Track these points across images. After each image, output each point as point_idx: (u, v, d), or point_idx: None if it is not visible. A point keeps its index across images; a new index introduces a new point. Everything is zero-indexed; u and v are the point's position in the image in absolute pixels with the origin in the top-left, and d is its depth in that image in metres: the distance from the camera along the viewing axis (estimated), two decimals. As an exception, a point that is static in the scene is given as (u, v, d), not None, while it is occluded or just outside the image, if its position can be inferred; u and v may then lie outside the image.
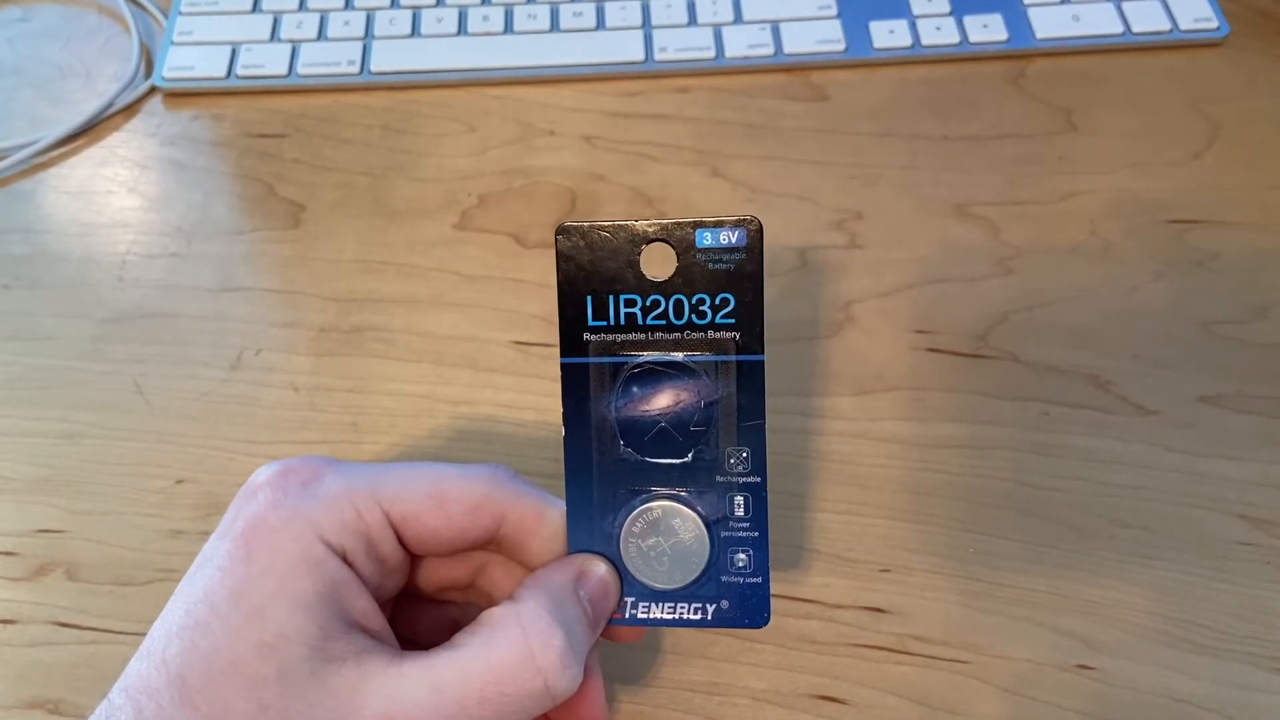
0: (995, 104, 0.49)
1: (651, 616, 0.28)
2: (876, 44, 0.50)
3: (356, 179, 0.47)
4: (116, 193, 0.47)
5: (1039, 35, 0.50)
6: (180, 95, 0.51)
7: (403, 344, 0.42)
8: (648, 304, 0.27)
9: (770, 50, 0.50)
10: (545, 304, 0.42)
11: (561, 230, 0.27)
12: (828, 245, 0.44)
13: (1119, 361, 0.40)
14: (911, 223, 0.44)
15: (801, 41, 0.50)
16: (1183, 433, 0.38)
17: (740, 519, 0.28)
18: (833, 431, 0.39)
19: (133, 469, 0.39)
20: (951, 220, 0.44)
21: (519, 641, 0.25)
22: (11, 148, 0.48)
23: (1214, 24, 0.50)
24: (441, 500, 0.27)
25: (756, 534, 0.28)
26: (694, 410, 0.27)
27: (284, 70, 0.50)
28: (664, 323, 0.27)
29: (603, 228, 0.27)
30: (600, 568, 0.28)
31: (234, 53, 0.51)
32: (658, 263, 0.27)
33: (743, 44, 0.50)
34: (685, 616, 0.28)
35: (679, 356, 0.27)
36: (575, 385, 0.28)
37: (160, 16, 0.54)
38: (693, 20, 0.51)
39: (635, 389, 0.28)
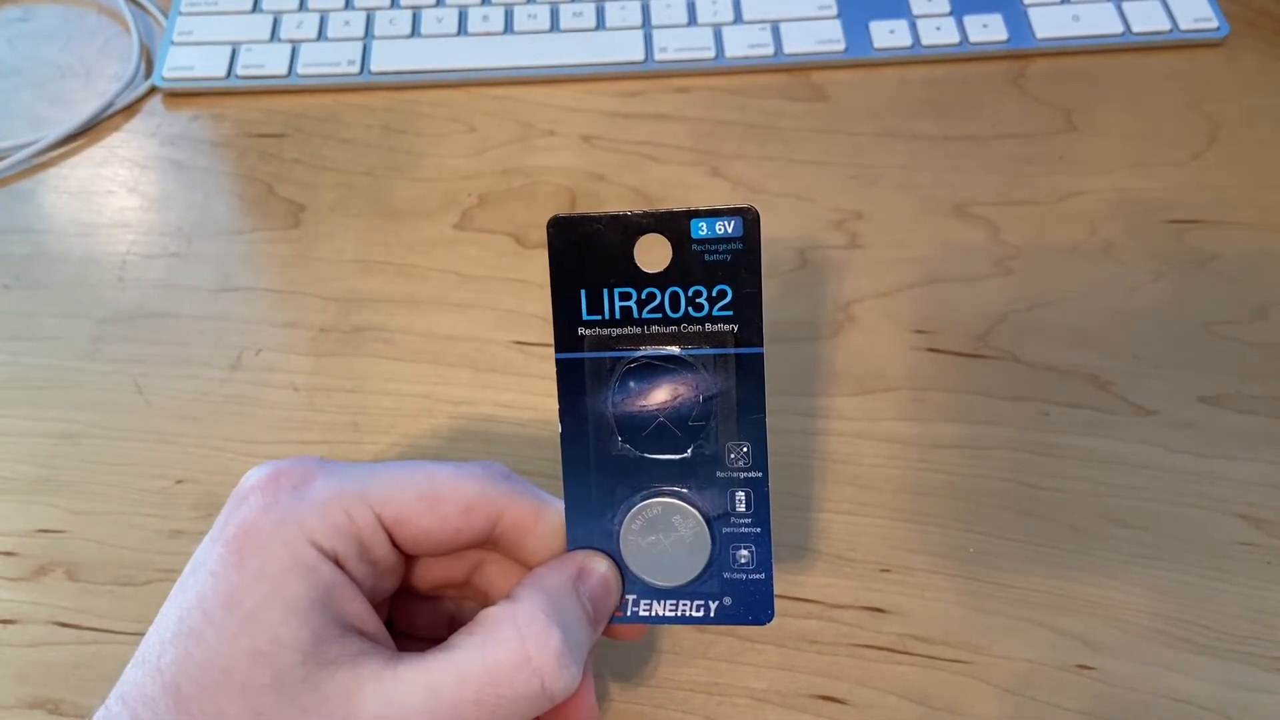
0: (995, 104, 0.49)
1: (654, 614, 0.28)
2: (876, 44, 0.50)
3: (356, 179, 0.47)
4: (116, 193, 0.47)
5: (1039, 35, 0.50)
6: (180, 95, 0.51)
7: (403, 344, 0.42)
8: (643, 297, 0.27)
9: (770, 50, 0.50)
10: (545, 304, 0.42)
11: (554, 223, 0.26)
12: (828, 245, 0.44)
13: (1119, 361, 0.40)
14: (911, 223, 0.44)
15: (801, 41, 0.50)
16: (1183, 433, 0.38)
17: (742, 515, 0.27)
18: (833, 431, 0.38)
19: (133, 469, 0.39)
20: (951, 220, 0.44)
21: (515, 642, 0.25)
22: (11, 148, 0.48)
23: (1214, 24, 0.50)
24: (434, 501, 0.26)
25: (759, 530, 0.27)
26: (693, 405, 0.27)
27: (284, 70, 0.50)
28: (660, 316, 0.27)
29: (596, 219, 0.26)
30: (601, 565, 0.27)
31: (234, 53, 0.51)
32: (653, 254, 0.27)
33: (743, 44, 0.50)
34: (688, 614, 0.28)
35: (676, 350, 0.27)
36: (571, 381, 0.27)
37: (160, 16, 0.54)
38: (693, 20, 0.51)
39: (632, 384, 0.27)
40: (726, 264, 0.26)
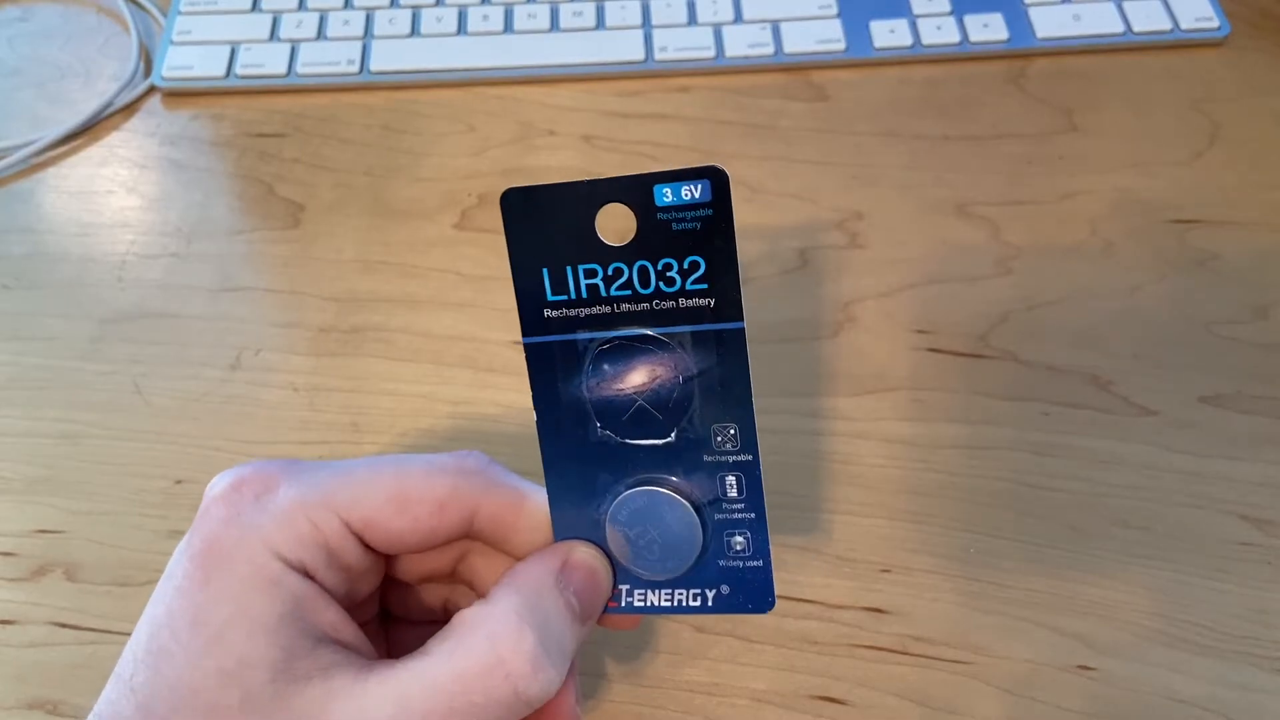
0: (995, 104, 0.49)
1: (649, 604, 0.27)
2: (877, 44, 0.50)
3: (356, 179, 0.47)
4: (116, 193, 0.47)
5: (1039, 35, 0.50)
6: (180, 95, 0.51)
7: (402, 344, 0.42)
8: (609, 273, 0.25)
9: (770, 50, 0.50)
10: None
11: (507, 196, 0.24)
12: (828, 245, 0.44)
13: (1119, 361, 0.40)
14: (912, 223, 0.44)
15: (802, 41, 0.50)
16: (1183, 433, 0.38)
17: (734, 500, 0.26)
18: (833, 431, 0.38)
19: (133, 469, 0.38)
20: (952, 220, 0.44)
21: (485, 648, 0.24)
22: (11, 148, 0.48)
23: (1215, 24, 0.50)
24: (403, 502, 0.26)
25: (753, 515, 0.26)
26: (672, 386, 0.25)
27: (283, 70, 0.50)
28: (629, 293, 0.25)
29: (551, 190, 0.24)
30: (587, 556, 0.27)
31: (233, 52, 0.51)
32: (617, 226, 0.25)
33: (743, 43, 0.50)
34: (685, 603, 0.27)
35: (649, 330, 0.25)
36: (542, 366, 0.26)
37: (160, 16, 0.54)
38: (693, 20, 0.51)
39: (606, 367, 0.25)
40: (696, 232, 0.24)
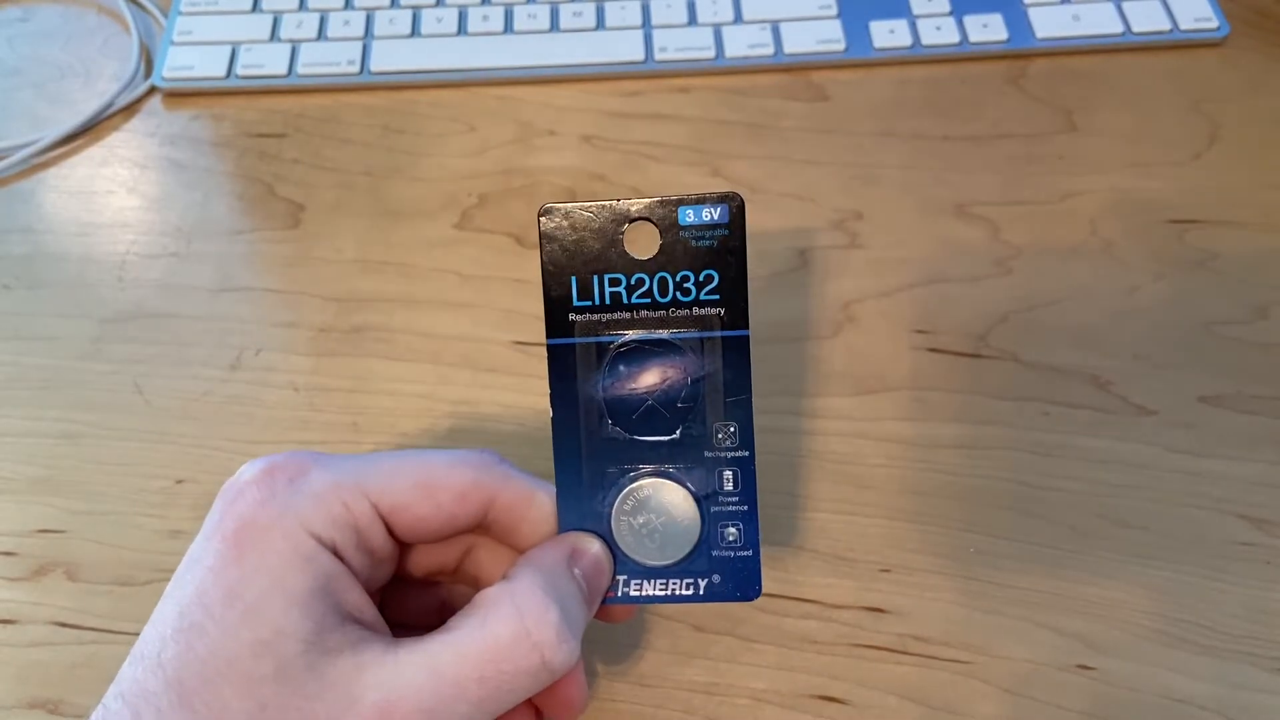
0: (995, 104, 0.49)
1: (645, 594, 0.28)
2: (876, 44, 0.50)
3: (356, 179, 0.47)
4: (116, 193, 0.47)
5: (1039, 35, 0.50)
6: (180, 95, 0.51)
7: (403, 344, 0.42)
8: (632, 283, 0.27)
9: (770, 50, 0.50)
10: (545, 304, 0.42)
11: (545, 211, 0.27)
12: (828, 245, 0.44)
13: (1119, 361, 0.40)
14: (911, 223, 0.44)
15: (801, 41, 0.50)
16: (1183, 433, 0.38)
17: (730, 493, 0.28)
18: (833, 431, 0.38)
19: (133, 469, 0.39)
20: (951, 220, 0.44)
21: (514, 619, 0.25)
22: (11, 148, 0.48)
23: (1214, 24, 0.50)
24: (429, 489, 0.27)
25: (746, 508, 0.28)
26: (681, 387, 0.28)
27: (284, 70, 0.50)
28: (649, 301, 0.27)
29: (586, 208, 0.27)
30: (593, 545, 0.28)
31: (234, 52, 0.51)
32: (641, 241, 0.27)
33: (743, 44, 0.50)
34: (678, 592, 0.28)
35: (665, 334, 0.28)
36: (562, 366, 0.28)
37: (160, 16, 0.54)
38: (693, 20, 0.51)
39: (622, 368, 0.28)
40: (713, 249, 0.27)
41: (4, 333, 0.43)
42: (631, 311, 0.27)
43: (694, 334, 0.27)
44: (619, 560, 0.28)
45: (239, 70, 0.50)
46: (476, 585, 0.30)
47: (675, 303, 0.27)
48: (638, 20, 0.51)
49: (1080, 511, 0.36)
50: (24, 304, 0.44)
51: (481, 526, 0.28)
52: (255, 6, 0.53)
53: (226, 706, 0.23)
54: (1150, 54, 0.50)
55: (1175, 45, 0.50)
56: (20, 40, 0.54)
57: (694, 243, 0.27)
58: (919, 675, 0.33)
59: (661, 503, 0.28)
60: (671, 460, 0.28)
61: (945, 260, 0.43)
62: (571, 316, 0.28)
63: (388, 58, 0.50)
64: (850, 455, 0.38)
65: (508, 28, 0.51)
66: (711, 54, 0.50)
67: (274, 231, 0.45)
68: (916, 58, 0.50)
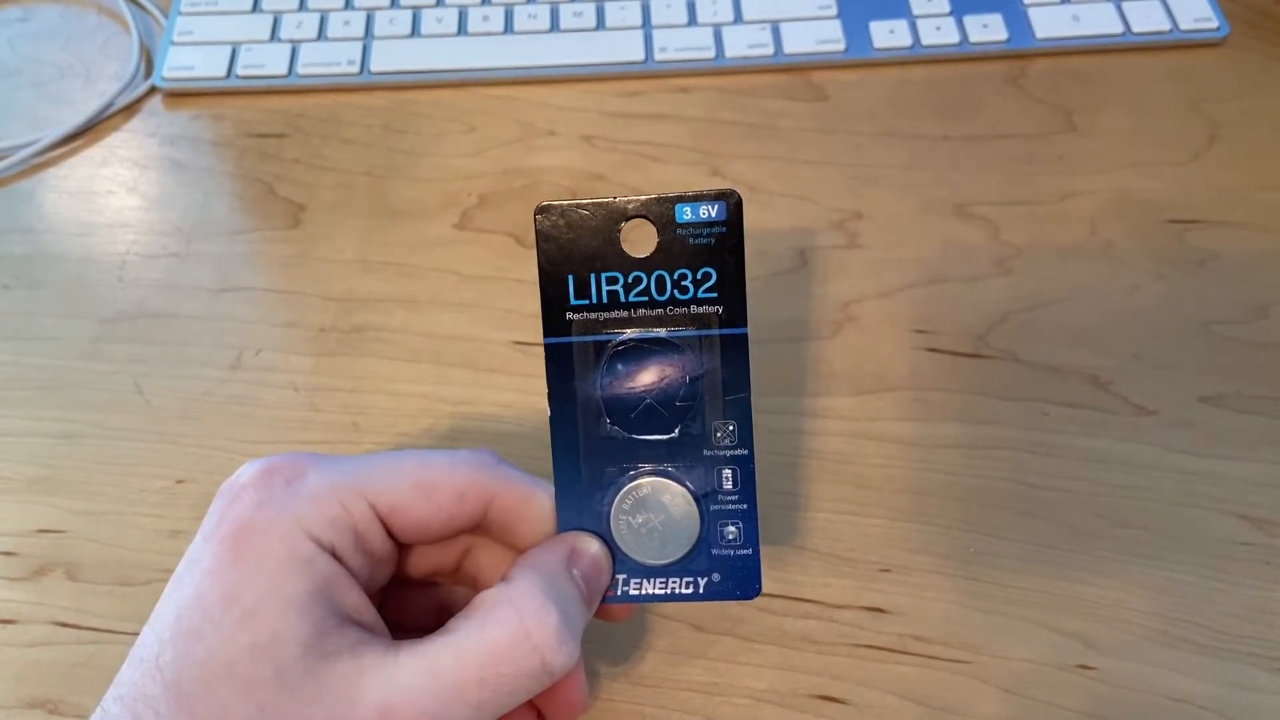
0: (995, 104, 0.49)
1: (644, 593, 0.28)
2: (876, 44, 0.50)
3: (356, 179, 0.47)
4: (116, 193, 0.47)
5: (1039, 35, 0.50)
6: (180, 95, 0.51)
7: (403, 344, 0.42)
8: (629, 281, 0.27)
9: (770, 50, 0.50)
10: (545, 304, 0.42)
11: (541, 210, 0.27)
12: (828, 245, 0.44)
13: (1119, 361, 0.40)
14: (911, 223, 0.44)
15: (801, 41, 0.50)
16: (1183, 433, 0.38)
17: (729, 492, 0.28)
18: (833, 431, 0.38)
19: (133, 469, 0.39)
20: (951, 220, 0.44)
21: (513, 621, 0.25)
22: (11, 148, 0.48)
23: (1214, 24, 0.50)
24: (428, 489, 0.27)
25: (745, 506, 0.28)
26: (679, 386, 0.28)
27: (284, 70, 0.50)
28: (646, 299, 0.27)
29: (582, 206, 0.27)
30: (592, 545, 0.28)
31: (234, 53, 0.51)
32: (638, 239, 0.27)
33: (743, 44, 0.50)
34: (677, 591, 0.28)
35: (662, 333, 0.27)
36: (560, 365, 0.28)
37: (160, 16, 0.54)
38: (693, 20, 0.51)
39: (620, 366, 0.28)
40: (710, 247, 0.27)
41: (4, 333, 0.43)
42: (629, 310, 0.27)
43: (692, 332, 0.27)
44: (618, 559, 0.28)
45: (239, 70, 0.50)
46: (475, 586, 0.30)
47: (673, 301, 0.27)
48: (638, 20, 0.51)
49: (1080, 511, 0.36)
50: (24, 304, 0.44)
51: (480, 526, 0.28)
52: (255, 6, 0.53)
53: (225, 710, 0.23)
54: (1150, 54, 0.50)
55: (1175, 45, 0.50)
56: (20, 40, 0.54)
57: (691, 240, 0.27)
58: (919, 675, 0.33)
59: (660, 501, 0.28)
60: (670, 459, 0.28)
61: (945, 260, 0.43)
62: (569, 315, 0.28)
63: (388, 58, 0.50)
64: (850, 455, 0.38)
65: (508, 28, 0.51)
66: (711, 54, 0.50)
67: (274, 231, 0.45)
68: (916, 58, 0.50)
